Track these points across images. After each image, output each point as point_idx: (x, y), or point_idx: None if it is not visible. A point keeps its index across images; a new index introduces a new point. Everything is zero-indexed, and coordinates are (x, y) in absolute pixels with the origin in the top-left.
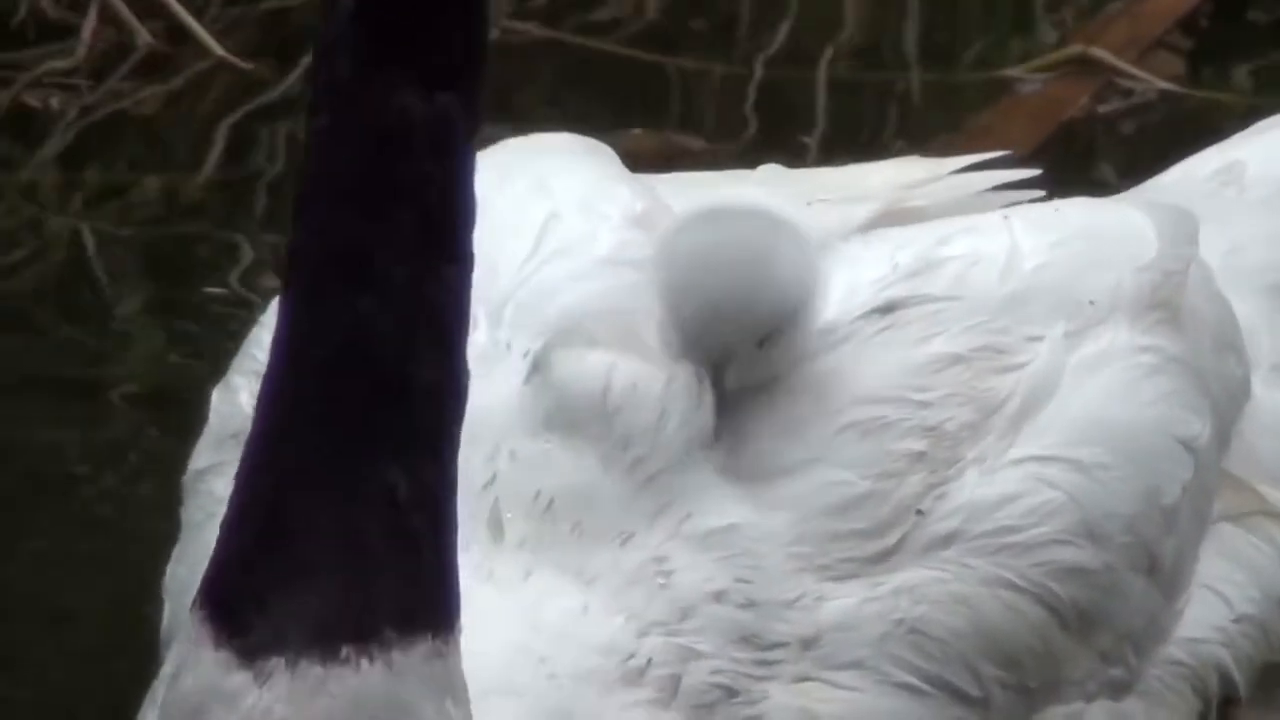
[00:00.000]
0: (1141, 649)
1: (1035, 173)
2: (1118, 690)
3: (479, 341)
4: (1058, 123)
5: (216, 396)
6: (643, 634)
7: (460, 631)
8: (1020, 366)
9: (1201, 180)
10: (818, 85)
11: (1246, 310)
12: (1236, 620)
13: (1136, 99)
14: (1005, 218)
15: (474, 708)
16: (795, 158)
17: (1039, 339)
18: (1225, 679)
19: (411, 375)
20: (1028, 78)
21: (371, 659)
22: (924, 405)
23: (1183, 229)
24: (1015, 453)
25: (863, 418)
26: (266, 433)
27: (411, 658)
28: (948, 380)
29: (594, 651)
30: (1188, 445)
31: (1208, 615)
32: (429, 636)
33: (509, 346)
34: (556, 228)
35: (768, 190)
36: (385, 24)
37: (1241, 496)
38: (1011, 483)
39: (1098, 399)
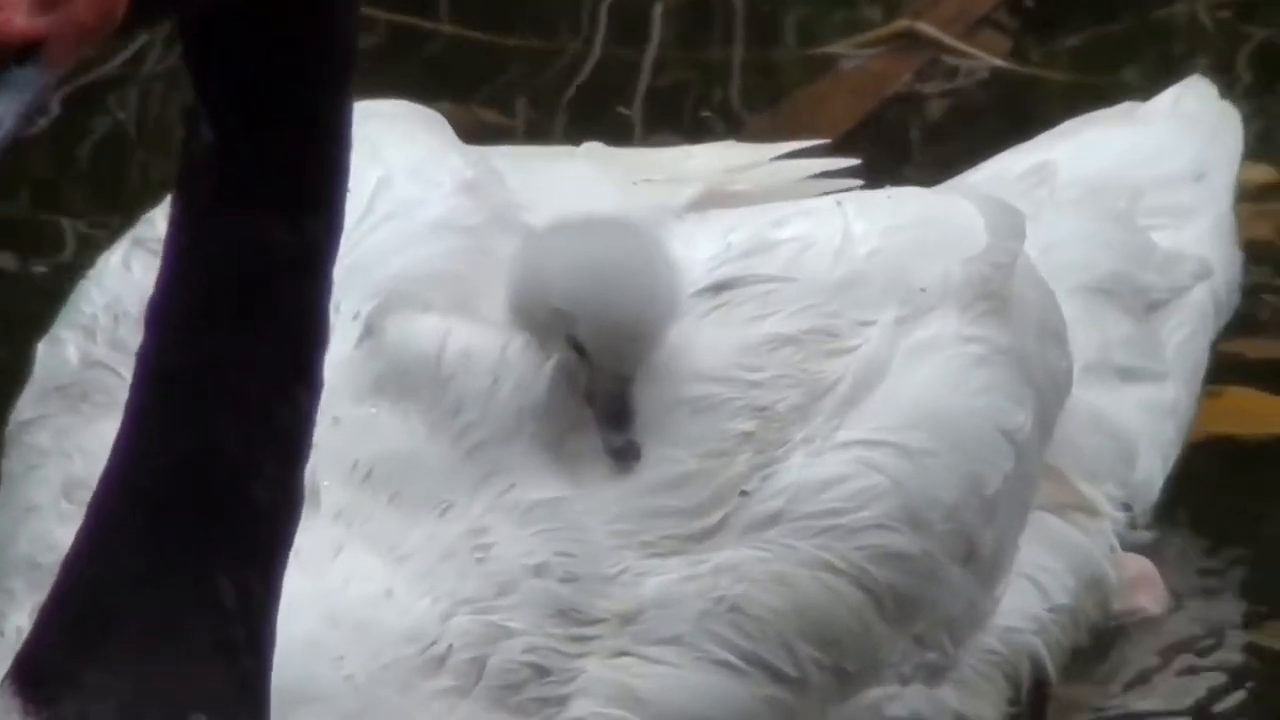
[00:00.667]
0: (958, 636)
1: (854, 162)
2: (933, 675)
3: None
4: (880, 99)
5: (42, 349)
6: (448, 616)
7: None
8: (851, 350)
9: (1014, 179)
10: (644, 61)
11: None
12: (1051, 610)
13: (961, 76)
14: (839, 203)
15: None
16: (618, 134)
17: (870, 324)
18: (1037, 665)
19: (253, 494)
20: (852, 54)
21: None
22: (755, 385)
23: (1011, 222)
24: (842, 436)
25: (694, 395)
26: (102, 519)
27: None
28: (779, 361)
29: (394, 642)
30: (1010, 436)
31: (1024, 604)
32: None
33: (338, 309)
34: (387, 192)
35: (593, 166)
36: (249, 156)
37: (1061, 489)
38: (837, 465)
39: (925, 386)
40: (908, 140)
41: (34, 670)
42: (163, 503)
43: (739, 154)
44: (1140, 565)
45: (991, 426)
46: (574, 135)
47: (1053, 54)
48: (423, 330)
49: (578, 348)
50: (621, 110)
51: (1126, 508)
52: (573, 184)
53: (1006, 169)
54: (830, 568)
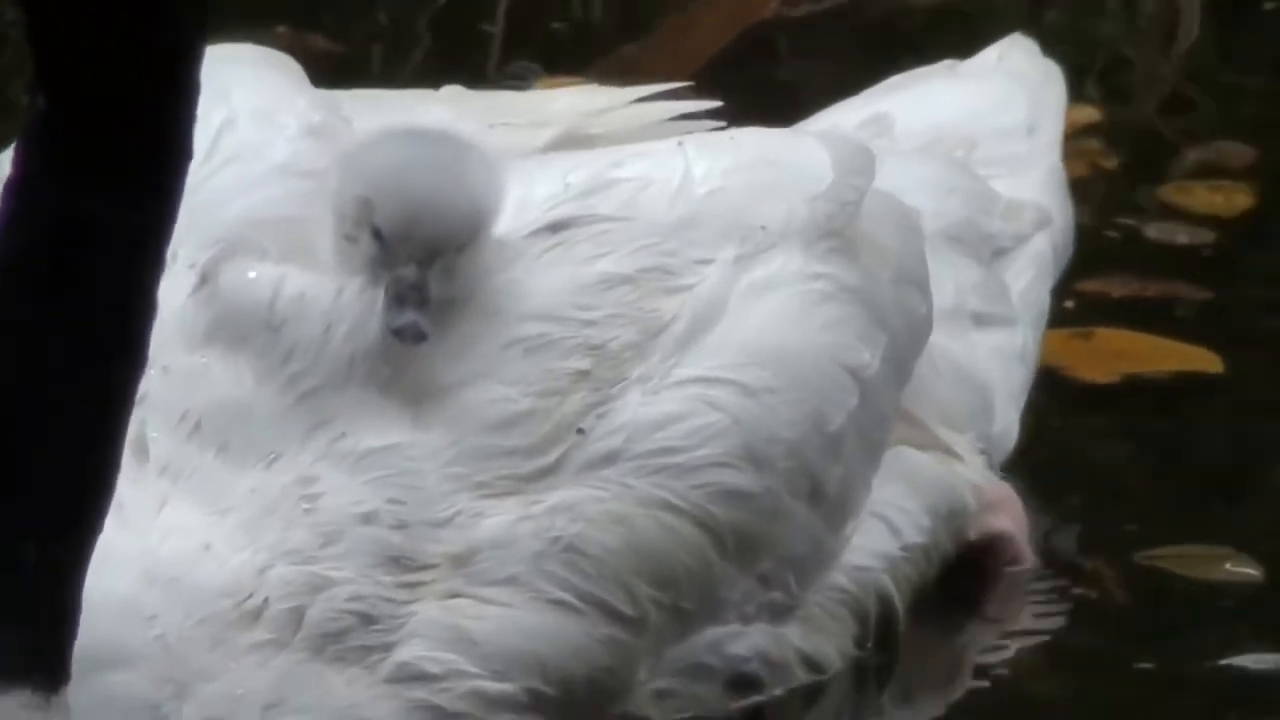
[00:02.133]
0: (804, 575)
1: (714, 104)
2: (777, 614)
3: None
4: (746, 25)
5: None
6: (267, 567)
7: (66, 688)
8: (687, 289)
9: (852, 129)
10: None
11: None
12: (904, 548)
13: (826, 2)
14: (680, 144)
15: (84, 683)
16: (479, 53)
17: (708, 262)
18: (886, 604)
19: (63, 460)
20: None
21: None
22: (589, 324)
23: (858, 161)
24: (680, 374)
25: (527, 334)
26: None
27: (6, 705)
28: (614, 300)
29: (209, 597)
30: (855, 373)
31: (875, 543)
32: (29, 690)
33: (175, 257)
34: (230, 135)
35: (452, 110)
36: (78, 127)
37: (921, 434)
38: (675, 403)
39: (766, 323)
40: (773, 67)
41: None
42: None
43: (601, 97)
44: (1000, 489)
45: (834, 363)
46: (435, 49)
47: None
48: (255, 277)
49: (378, 235)
50: (485, 27)
51: (985, 455)
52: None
53: (843, 120)
54: (668, 506)
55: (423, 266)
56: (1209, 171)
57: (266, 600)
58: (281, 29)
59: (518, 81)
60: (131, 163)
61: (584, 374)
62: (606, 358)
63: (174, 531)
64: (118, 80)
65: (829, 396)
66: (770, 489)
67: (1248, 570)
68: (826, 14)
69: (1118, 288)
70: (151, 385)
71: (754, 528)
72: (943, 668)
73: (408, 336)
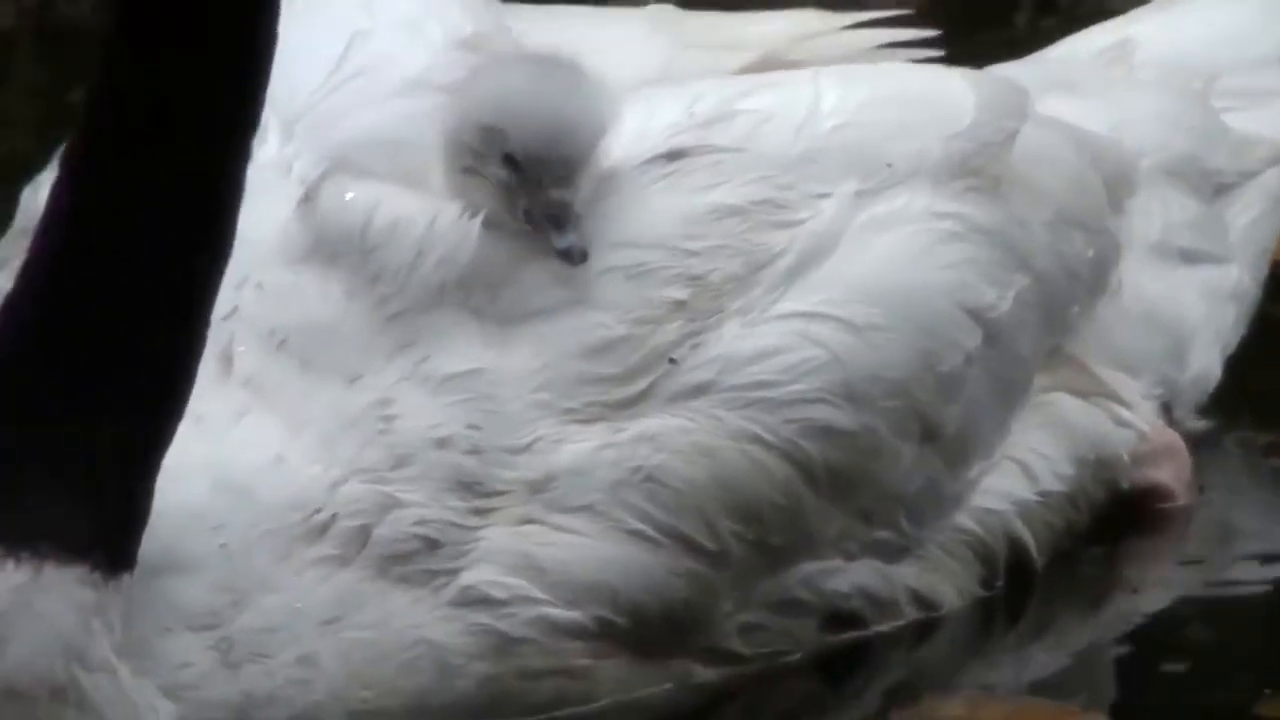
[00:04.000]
0: (918, 514)
1: (932, 33)
2: (889, 553)
3: (267, 155)
4: None
5: (25, 194)
6: (338, 484)
7: (130, 574)
8: (800, 223)
9: (1090, 57)
10: None
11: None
12: (1041, 494)
13: None
14: (815, 74)
15: (144, 585)
16: None
17: (825, 196)
18: (1018, 547)
19: (144, 343)
20: None
21: (19, 563)
22: (691, 254)
23: (1009, 101)
24: (782, 308)
25: (626, 262)
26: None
27: (63, 576)
28: (721, 231)
29: (276, 510)
30: (978, 315)
31: (1008, 486)
32: (88, 567)
33: (290, 169)
34: (365, 46)
35: (647, 27)
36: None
37: (1084, 378)
38: (772, 337)
39: (880, 260)
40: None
41: None
42: (63, 344)
43: (814, 21)
44: (1167, 438)
45: (952, 303)
46: None
47: None
48: (353, 199)
49: (512, 163)
50: None
51: (1166, 406)
52: (613, 43)
53: (1084, 46)
54: (757, 440)
55: (566, 188)
56: None
57: (334, 516)
58: None
59: None
60: (211, 29)
61: (681, 304)
62: (707, 289)
63: (249, 443)
64: None
65: (944, 336)
66: (870, 427)
67: None
68: None
69: None
70: (244, 300)
71: (850, 465)
72: (1082, 609)
73: (575, 257)
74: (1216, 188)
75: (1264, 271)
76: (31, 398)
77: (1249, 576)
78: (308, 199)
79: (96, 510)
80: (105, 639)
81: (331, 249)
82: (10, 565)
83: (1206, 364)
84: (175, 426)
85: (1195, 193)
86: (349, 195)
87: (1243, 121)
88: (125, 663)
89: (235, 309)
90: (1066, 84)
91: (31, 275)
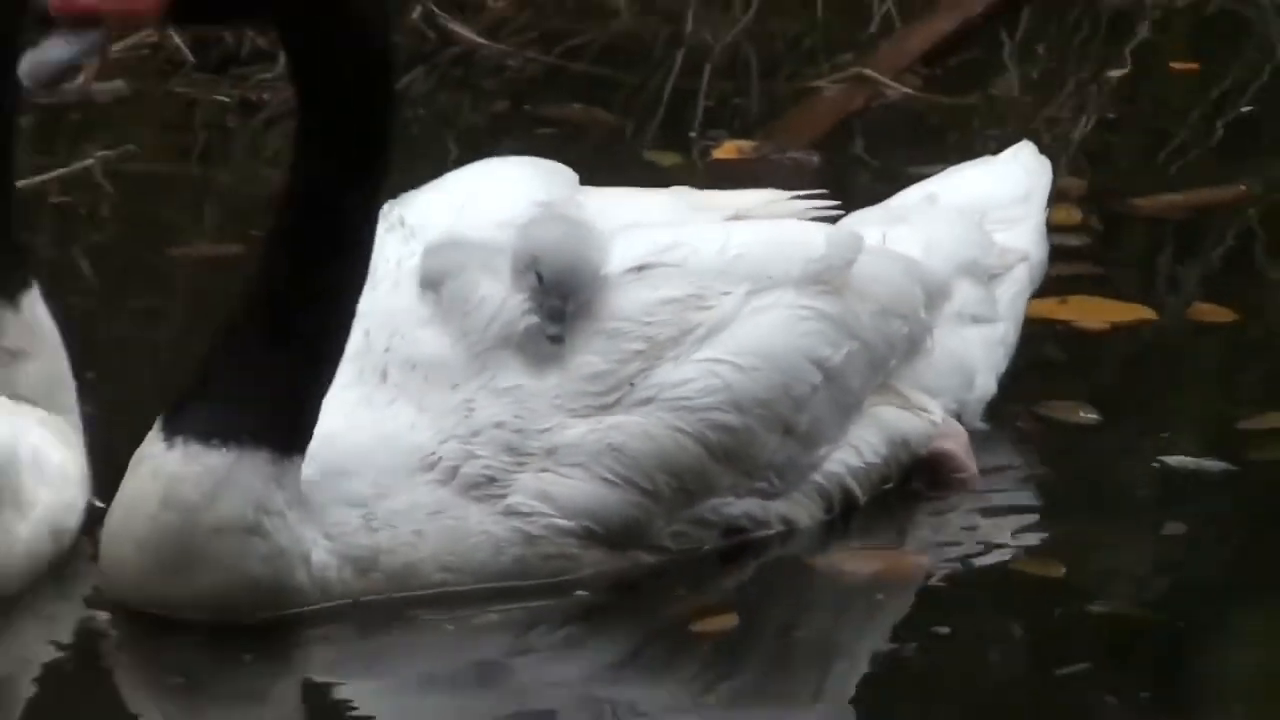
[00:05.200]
0: (782, 475)
1: (836, 204)
2: (765, 495)
3: (402, 253)
4: (845, 114)
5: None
6: (443, 442)
7: (299, 459)
8: (712, 308)
9: (913, 203)
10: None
11: (941, 279)
12: (865, 463)
13: (893, 102)
14: (732, 223)
15: (323, 481)
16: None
17: (729, 294)
18: (848, 492)
19: (312, 331)
20: (827, 86)
21: (228, 450)
22: (646, 324)
23: (848, 243)
24: (698, 355)
25: (610, 327)
26: (235, 320)
27: (255, 457)
28: (665, 311)
29: (408, 451)
30: (819, 363)
31: (844, 459)
32: (270, 452)
33: (400, 264)
34: (475, 202)
35: (671, 198)
36: (325, 133)
37: (901, 399)
38: (691, 372)
39: (759, 329)
40: (857, 144)
41: (173, 405)
42: (275, 327)
43: (771, 195)
44: (953, 428)
45: (801, 356)
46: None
47: (956, 89)
48: (463, 281)
49: (539, 276)
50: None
51: (957, 415)
52: (648, 207)
53: (911, 195)
54: (679, 430)
55: (563, 299)
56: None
57: (440, 459)
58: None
59: (712, 140)
60: (365, 157)
61: (639, 352)
62: (654, 344)
63: (395, 417)
64: (349, 89)
65: (796, 374)
66: (748, 425)
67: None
68: (892, 106)
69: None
70: (394, 344)
71: (737, 446)
72: (891, 526)
73: (556, 340)
74: (990, 278)
75: (1019, 326)
76: (249, 357)
77: (1004, 501)
78: (430, 284)
79: (277, 419)
80: (279, 495)
81: (445, 315)
82: (223, 451)
83: (985, 387)
84: (330, 379)
85: (978, 282)
86: (461, 276)
87: (1004, 237)
88: (294, 512)
89: (388, 348)
90: (901, 218)
91: (262, 291)
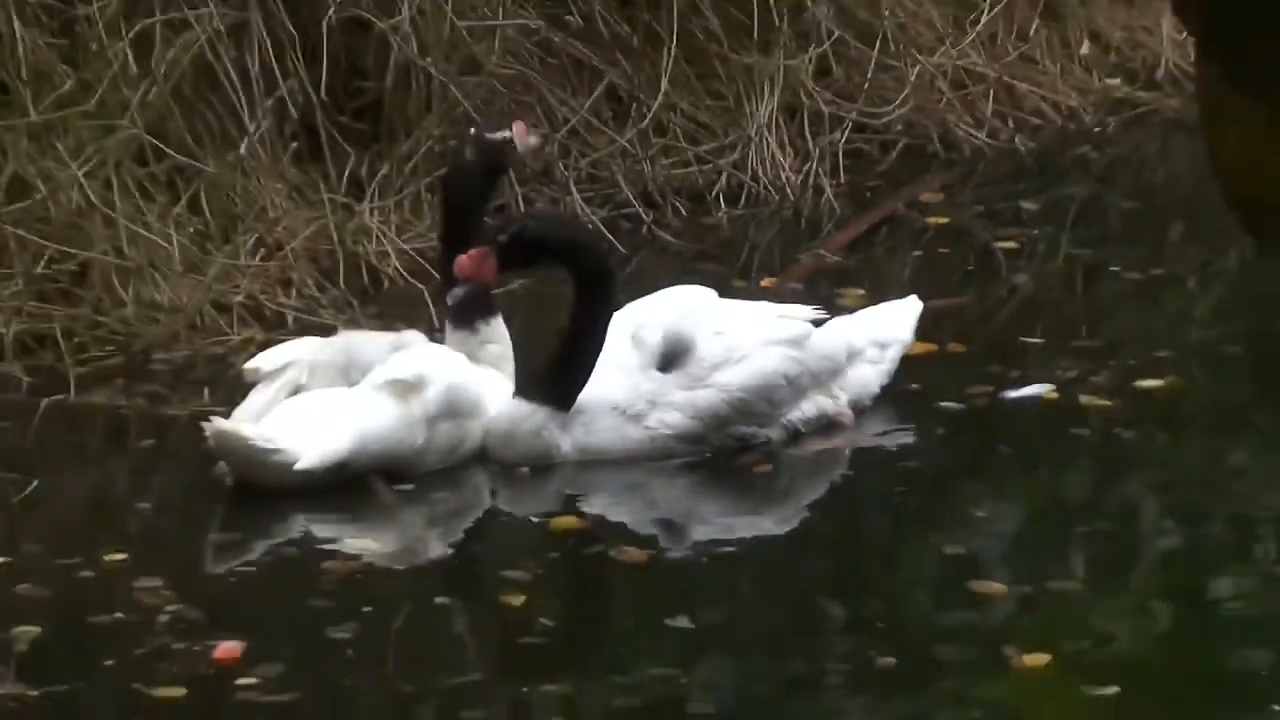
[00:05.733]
0: (769, 420)
1: (825, 313)
2: (759, 425)
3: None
4: (814, 269)
5: None
6: (621, 400)
7: (573, 410)
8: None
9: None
10: (756, 258)
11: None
12: (802, 421)
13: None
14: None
15: (581, 416)
16: (728, 277)
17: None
18: (800, 425)
19: (588, 343)
20: (803, 258)
21: (540, 407)
22: (715, 361)
23: (802, 330)
24: (718, 379)
25: (698, 358)
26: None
27: (542, 410)
28: (720, 353)
29: (613, 401)
30: (788, 379)
31: (792, 417)
32: (552, 407)
33: (629, 329)
34: (666, 302)
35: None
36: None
37: (825, 390)
38: (731, 376)
39: (756, 364)
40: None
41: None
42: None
43: (798, 310)
44: (846, 408)
45: (779, 375)
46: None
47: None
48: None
49: (665, 339)
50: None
51: (852, 407)
52: (737, 308)
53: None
54: (720, 399)
55: (670, 362)
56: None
57: (626, 409)
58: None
59: (760, 277)
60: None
61: (711, 366)
62: (715, 366)
63: (608, 387)
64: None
65: (774, 384)
66: (753, 400)
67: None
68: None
69: None
70: (609, 369)
71: (744, 408)
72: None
73: (663, 370)
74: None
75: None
76: (562, 355)
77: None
78: (635, 340)
79: (558, 388)
80: (556, 430)
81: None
82: (528, 408)
83: (872, 389)
84: (592, 368)
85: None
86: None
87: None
88: (558, 430)
89: (601, 376)
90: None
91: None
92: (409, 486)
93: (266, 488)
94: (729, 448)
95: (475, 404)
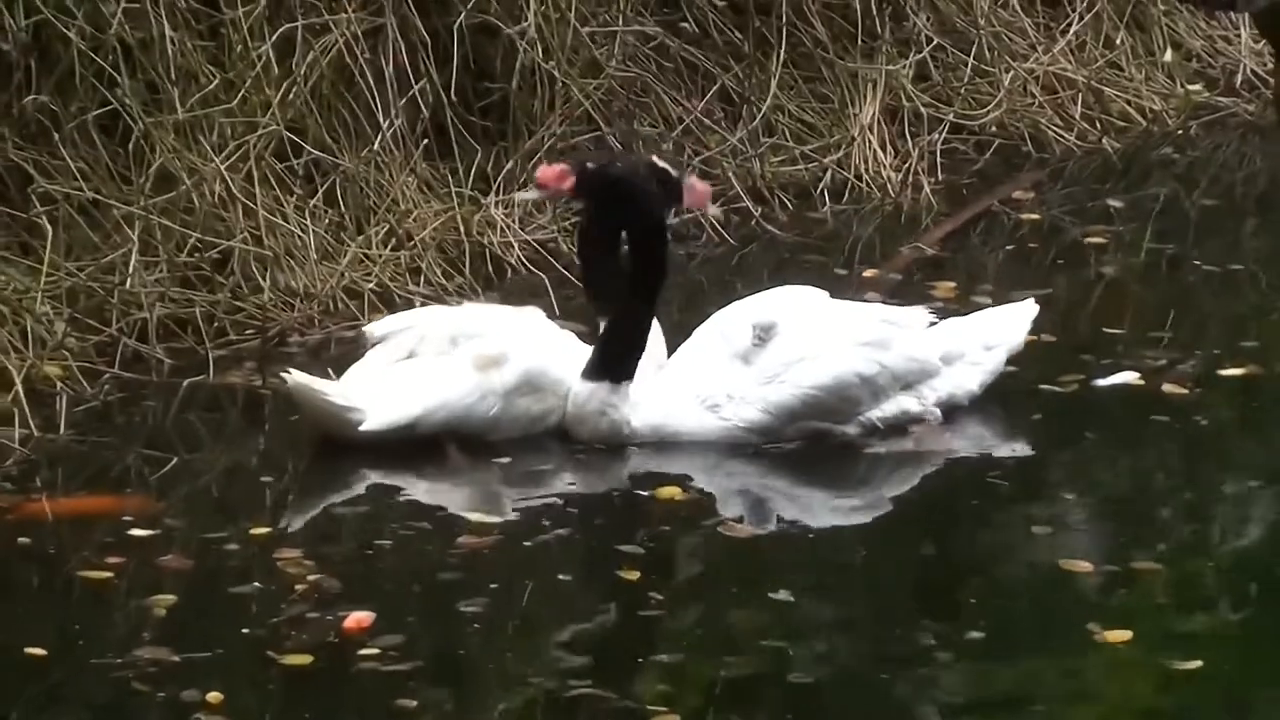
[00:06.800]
0: (845, 418)
1: (936, 317)
2: (834, 423)
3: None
4: (911, 260)
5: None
6: (692, 393)
7: (629, 383)
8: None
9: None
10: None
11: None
12: (894, 416)
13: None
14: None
15: (640, 401)
16: (831, 268)
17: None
18: (878, 424)
19: (638, 326)
20: (910, 251)
21: (599, 384)
22: (796, 357)
23: (891, 330)
24: (793, 376)
25: (778, 352)
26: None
27: (603, 386)
28: (801, 351)
29: (679, 388)
30: (864, 379)
31: (881, 414)
32: (609, 381)
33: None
34: (777, 299)
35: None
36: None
37: (911, 391)
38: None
39: (831, 363)
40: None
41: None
42: (628, 325)
43: (908, 315)
44: (929, 407)
45: (856, 375)
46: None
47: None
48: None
49: (762, 328)
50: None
51: (944, 405)
52: (832, 307)
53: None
54: (795, 396)
55: (761, 342)
56: None
57: (696, 395)
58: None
59: (852, 272)
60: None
61: (787, 364)
62: (793, 363)
63: (671, 382)
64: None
65: (856, 383)
66: (828, 398)
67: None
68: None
69: None
70: (653, 366)
71: (821, 406)
72: (908, 438)
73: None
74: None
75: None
76: (613, 330)
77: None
78: (724, 334)
79: (616, 364)
80: (617, 403)
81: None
82: (589, 388)
83: (970, 390)
84: (643, 349)
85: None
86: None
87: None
88: (623, 405)
89: (661, 366)
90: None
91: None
92: (505, 460)
93: (336, 441)
94: (795, 440)
95: (556, 383)
